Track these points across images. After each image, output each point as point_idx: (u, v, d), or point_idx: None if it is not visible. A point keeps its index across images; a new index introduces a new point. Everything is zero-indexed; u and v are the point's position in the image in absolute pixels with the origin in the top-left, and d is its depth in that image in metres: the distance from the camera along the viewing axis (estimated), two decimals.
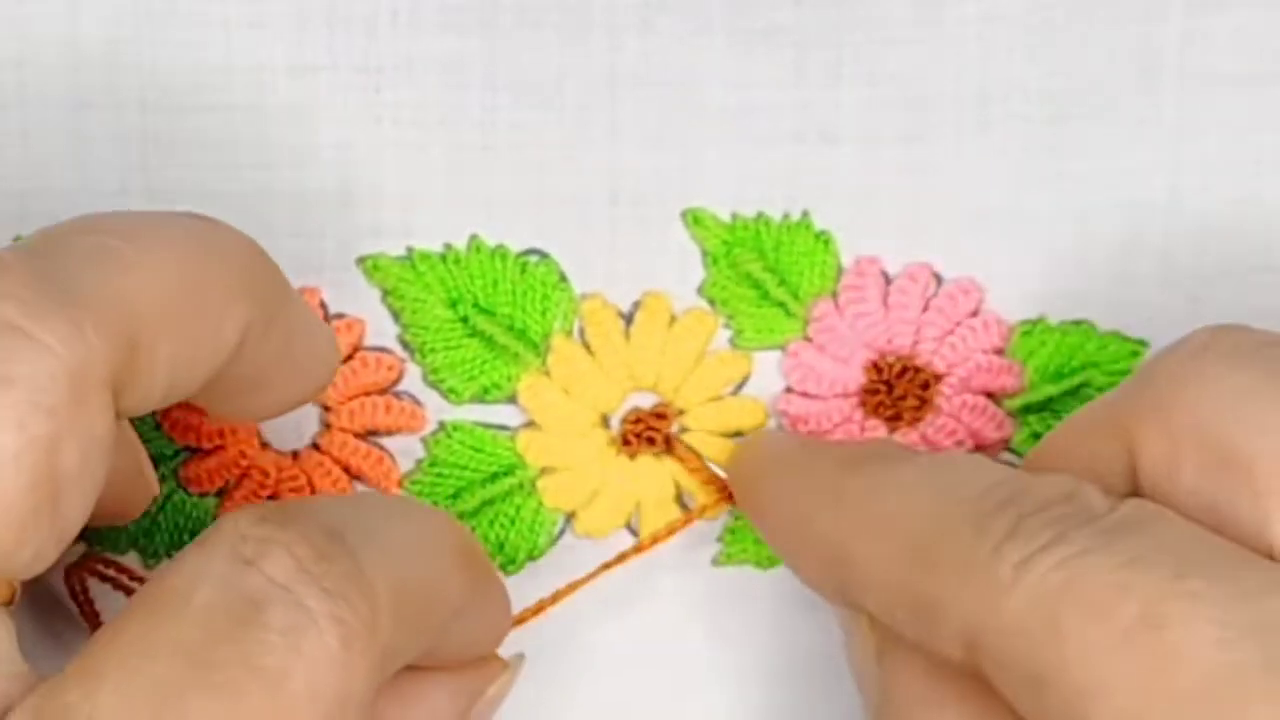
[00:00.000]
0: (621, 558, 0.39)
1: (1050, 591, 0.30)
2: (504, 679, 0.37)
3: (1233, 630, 0.29)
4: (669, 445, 0.39)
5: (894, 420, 0.39)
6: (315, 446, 0.39)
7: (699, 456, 0.39)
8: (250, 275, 0.32)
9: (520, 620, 0.38)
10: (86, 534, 0.39)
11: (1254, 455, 0.31)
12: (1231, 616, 0.29)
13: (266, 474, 0.39)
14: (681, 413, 0.40)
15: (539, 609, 0.39)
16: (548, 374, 0.39)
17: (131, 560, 0.39)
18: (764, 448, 0.39)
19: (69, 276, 0.29)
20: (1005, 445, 0.40)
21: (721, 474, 0.39)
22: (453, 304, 0.39)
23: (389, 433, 0.39)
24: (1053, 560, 0.30)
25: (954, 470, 0.34)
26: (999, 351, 0.39)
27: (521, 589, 0.39)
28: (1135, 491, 0.33)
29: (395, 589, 0.31)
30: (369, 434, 0.39)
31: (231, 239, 0.32)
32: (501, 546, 0.39)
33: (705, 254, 0.39)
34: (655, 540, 0.39)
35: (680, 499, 0.40)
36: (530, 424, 0.39)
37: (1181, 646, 0.29)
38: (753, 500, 0.38)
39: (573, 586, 0.39)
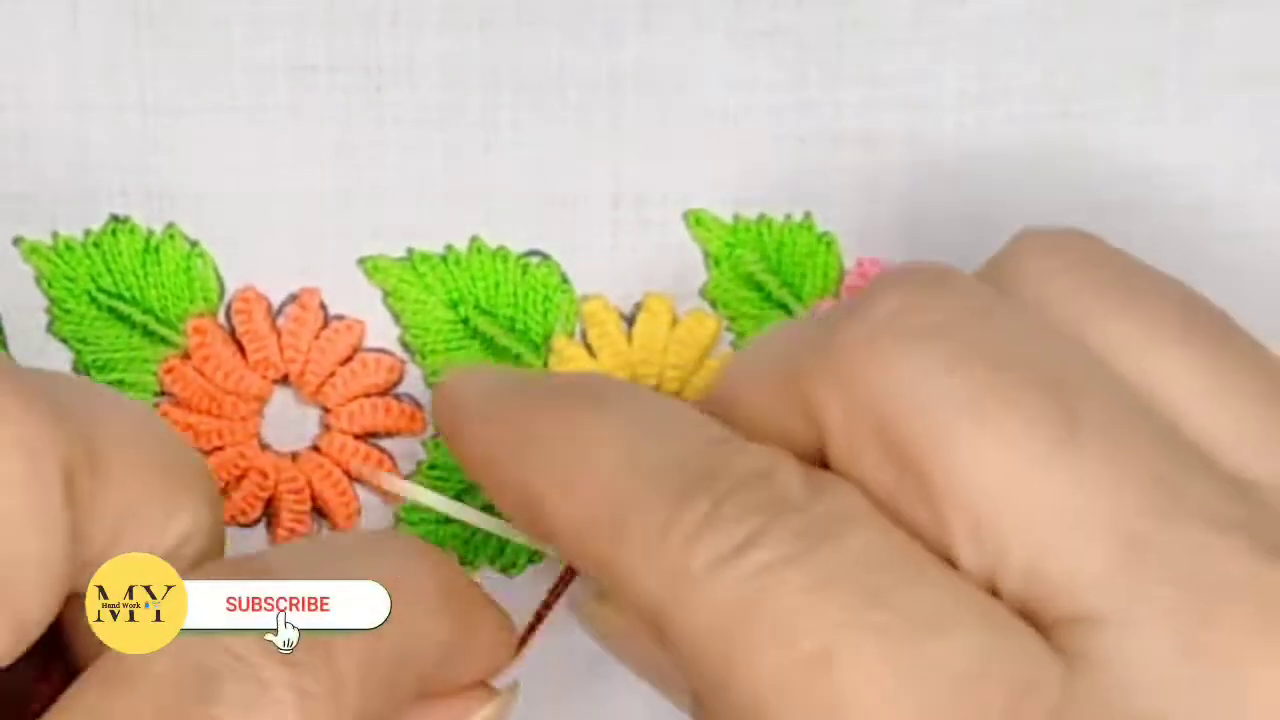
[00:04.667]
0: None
1: (739, 603, 0.29)
2: (491, 708, 0.35)
3: (900, 680, 0.28)
4: None
5: None
6: (315, 448, 0.39)
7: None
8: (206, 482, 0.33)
9: (523, 642, 0.36)
10: None
11: (925, 457, 0.29)
12: (904, 660, 0.28)
13: (265, 475, 0.38)
14: None
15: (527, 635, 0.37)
16: None
17: None
18: (465, 381, 0.36)
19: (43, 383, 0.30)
20: None
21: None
22: (454, 305, 0.39)
23: (389, 435, 0.39)
24: (746, 569, 0.29)
25: (653, 425, 0.32)
26: None
27: (523, 591, 0.39)
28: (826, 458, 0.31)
29: (364, 652, 0.30)
30: (369, 436, 0.39)
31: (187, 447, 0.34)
32: (503, 550, 0.39)
33: (707, 255, 0.39)
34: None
35: None
36: None
37: (847, 691, 0.28)
38: (451, 439, 0.36)
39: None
